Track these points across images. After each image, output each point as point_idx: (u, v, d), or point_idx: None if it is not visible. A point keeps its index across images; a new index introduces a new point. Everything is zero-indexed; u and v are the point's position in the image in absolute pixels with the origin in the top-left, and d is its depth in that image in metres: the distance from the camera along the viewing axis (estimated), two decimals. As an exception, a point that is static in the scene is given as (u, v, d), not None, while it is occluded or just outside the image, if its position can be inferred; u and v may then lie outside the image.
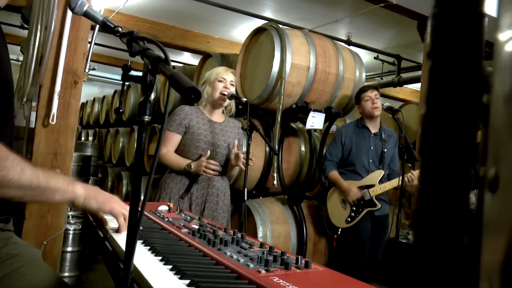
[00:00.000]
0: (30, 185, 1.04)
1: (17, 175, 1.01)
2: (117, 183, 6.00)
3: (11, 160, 1.01)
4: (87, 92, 8.29)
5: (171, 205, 1.84)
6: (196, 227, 1.42)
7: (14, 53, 7.83)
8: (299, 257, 1.04)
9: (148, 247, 1.14)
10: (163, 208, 1.81)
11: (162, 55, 0.90)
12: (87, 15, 1.30)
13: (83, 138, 8.44)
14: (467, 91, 0.27)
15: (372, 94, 3.34)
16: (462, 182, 0.27)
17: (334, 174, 3.38)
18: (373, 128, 3.41)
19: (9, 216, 1.25)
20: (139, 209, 0.92)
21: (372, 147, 3.37)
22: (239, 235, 1.31)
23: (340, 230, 3.37)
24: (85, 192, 1.20)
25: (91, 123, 8.14)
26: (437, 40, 0.29)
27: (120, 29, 1.27)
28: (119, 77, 8.47)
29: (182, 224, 1.47)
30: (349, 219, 3.30)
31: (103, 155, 6.82)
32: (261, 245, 1.20)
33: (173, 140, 2.51)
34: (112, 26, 1.28)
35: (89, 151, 6.11)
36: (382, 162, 3.38)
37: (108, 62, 8.21)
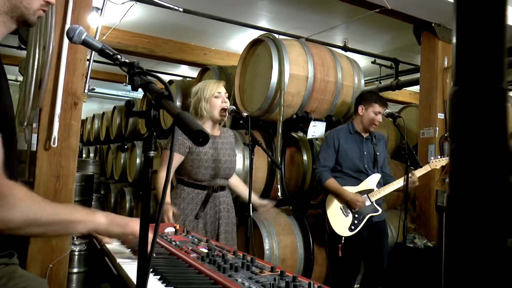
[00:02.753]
0: (52, 221, 1.07)
1: (38, 214, 1.04)
2: (120, 199, 5.99)
3: (32, 199, 1.04)
4: (87, 109, 8.27)
5: (177, 226, 1.83)
6: (205, 250, 1.41)
7: (13, 73, 7.85)
8: (312, 281, 1.03)
9: (158, 277, 1.12)
10: (169, 230, 1.80)
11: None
12: (85, 43, 1.29)
13: (84, 155, 8.43)
14: (493, 173, 0.26)
15: (383, 111, 3.24)
16: (492, 269, 0.26)
17: (333, 182, 3.21)
18: (364, 133, 3.35)
19: (13, 250, 1.24)
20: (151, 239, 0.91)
21: (365, 152, 3.31)
22: (249, 258, 1.30)
23: (343, 238, 3.24)
24: (106, 220, 1.21)
25: (92, 140, 8.13)
26: (459, 120, 0.28)
27: (119, 56, 1.27)
28: (118, 93, 8.47)
29: (190, 248, 1.46)
30: (352, 226, 3.21)
31: (105, 171, 6.80)
32: (272, 269, 1.19)
33: (174, 160, 2.48)
34: (111, 53, 1.28)
35: (90, 169, 6.10)
36: (376, 166, 3.32)
37: (106, 78, 8.22)
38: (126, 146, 5.51)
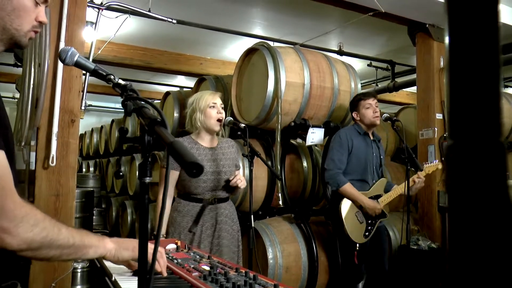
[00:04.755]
0: (67, 244, 1.09)
1: (55, 235, 1.06)
2: (122, 212, 5.97)
3: (48, 221, 1.06)
4: (85, 123, 8.28)
5: (179, 243, 1.81)
6: (207, 268, 1.39)
7: (10, 90, 7.85)
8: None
9: (160, 299, 1.11)
10: (171, 247, 1.78)
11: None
12: (78, 65, 1.29)
13: (84, 170, 8.41)
14: (494, 234, 0.25)
15: (373, 102, 3.22)
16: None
17: (349, 187, 3.12)
18: (371, 134, 3.33)
19: (16, 280, 1.22)
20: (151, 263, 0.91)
21: (374, 154, 3.29)
22: (252, 275, 1.28)
23: (358, 245, 3.16)
24: (115, 245, 1.23)
25: (91, 154, 8.12)
26: (455, 177, 0.26)
27: (112, 77, 1.26)
28: (116, 105, 8.46)
29: (192, 266, 1.44)
30: (366, 233, 3.18)
31: (106, 185, 6.79)
32: (275, 286, 1.17)
33: (171, 177, 2.45)
34: (104, 74, 1.28)
35: (91, 183, 6.10)
36: (381, 168, 3.32)
37: (103, 92, 8.22)
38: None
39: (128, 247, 1.25)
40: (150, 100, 1.04)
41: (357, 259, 3.17)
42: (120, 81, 1.23)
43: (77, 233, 1.14)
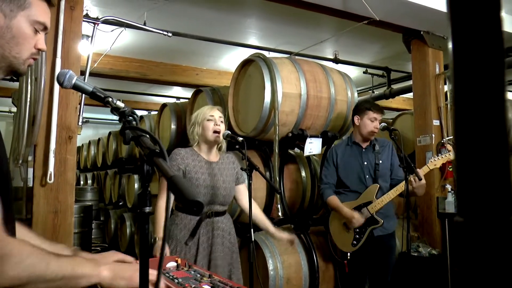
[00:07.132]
0: (56, 277, 1.06)
1: (43, 270, 1.03)
2: (121, 225, 5.94)
3: (36, 256, 1.04)
4: (82, 135, 8.25)
5: (179, 260, 1.80)
6: (208, 288, 1.39)
7: (6, 105, 7.84)
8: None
9: (162, 324, 1.10)
10: (171, 265, 1.77)
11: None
12: (76, 87, 1.29)
13: (82, 182, 8.38)
14: None
15: (379, 118, 3.23)
16: None
17: (333, 199, 3.24)
18: (364, 143, 3.31)
19: None
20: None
21: (365, 162, 3.26)
22: (253, 295, 1.28)
23: (349, 254, 3.22)
24: (110, 273, 1.18)
25: (89, 166, 8.10)
26: (465, 256, 0.26)
27: (110, 99, 1.26)
28: (113, 117, 8.38)
29: (193, 285, 1.43)
30: (354, 242, 3.17)
31: (104, 197, 6.76)
32: (277, 307, 1.17)
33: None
34: (103, 96, 1.27)
35: (89, 196, 6.08)
36: (376, 175, 3.26)
37: (99, 104, 8.22)
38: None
39: (125, 275, 1.21)
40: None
41: (349, 268, 3.23)
42: (119, 103, 1.23)
43: (69, 263, 1.11)
